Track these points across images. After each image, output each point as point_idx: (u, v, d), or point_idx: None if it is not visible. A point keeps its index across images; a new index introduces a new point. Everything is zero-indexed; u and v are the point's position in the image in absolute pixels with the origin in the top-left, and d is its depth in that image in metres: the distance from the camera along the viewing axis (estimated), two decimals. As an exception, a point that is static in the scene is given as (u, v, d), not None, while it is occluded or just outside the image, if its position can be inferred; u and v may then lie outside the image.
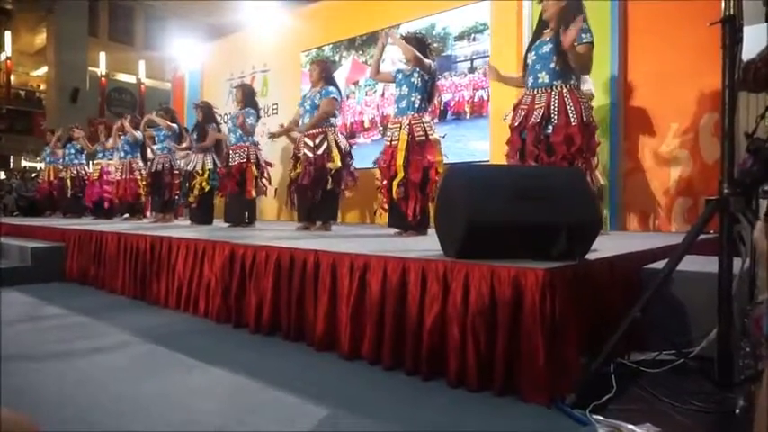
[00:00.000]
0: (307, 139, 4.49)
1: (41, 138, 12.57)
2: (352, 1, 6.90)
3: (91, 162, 7.95)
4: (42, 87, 20.24)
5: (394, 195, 3.71)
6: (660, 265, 2.30)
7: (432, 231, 2.82)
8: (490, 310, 1.89)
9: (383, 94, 6.46)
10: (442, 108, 5.84)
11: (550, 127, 3.04)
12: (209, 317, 3.09)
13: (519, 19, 5.11)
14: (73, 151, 8.27)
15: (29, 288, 4.17)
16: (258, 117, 5.42)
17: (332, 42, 7.16)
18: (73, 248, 4.63)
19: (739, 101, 1.96)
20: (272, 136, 5.11)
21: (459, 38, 5.77)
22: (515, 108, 3.25)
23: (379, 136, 6.32)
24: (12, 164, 19.65)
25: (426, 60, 3.74)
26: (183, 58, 9.54)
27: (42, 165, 9.89)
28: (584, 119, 3.03)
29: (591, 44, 3.03)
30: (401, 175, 3.66)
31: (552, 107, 3.05)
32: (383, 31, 3.99)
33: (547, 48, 3.11)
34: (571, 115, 3.00)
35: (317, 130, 4.48)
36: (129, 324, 2.97)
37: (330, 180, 4.38)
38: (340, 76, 7.00)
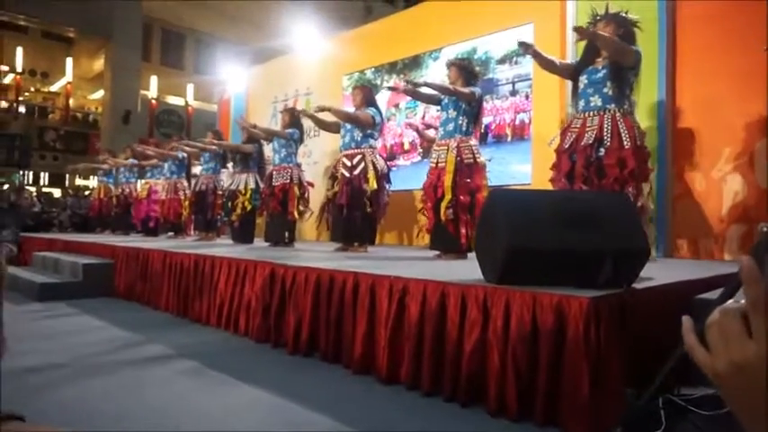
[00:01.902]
0: (345, 159, 4.51)
1: (96, 157, 13.16)
2: (394, 25, 7.01)
3: (139, 181, 8.25)
4: (98, 110, 21.28)
5: (442, 217, 3.67)
6: (713, 294, 2.20)
7: (472, 255, 2.79)
8: (531, 338, 1.84)
9: (423, 116, 6.48)
10: (482, 131, 5.81)
11: (602, 149, 3.00)
12: (249, 336, 3.12)
13: (562, 43, 5.06)
14: (124, 170, 8.61)
15: (77, 302, 4.32)
16: (301, 140, 5.56)
17: (374, 66, 7.26)
18: (121, 265, 4.79)
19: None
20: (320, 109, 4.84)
21: (501, 61, 5.76)
22: (564, 132, 3.21)
23: (419, 158, 6.33)
24: (67, 182, 20.62)
25: (466, 90, 3.74)
26: (230, 82, 9.86)
27: (95, 183, 10.34)
28: (638, 143, 2.99)
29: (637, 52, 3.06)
30: (449, 196, 3.64)
31: (605, 129, 3.01)
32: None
33: (600, 74, 3.11)
34: (624, 138, 2.96)
35: (356, 150, 4.50)
36: (172, 341, 3.03)
37: (368, 202, 4.37)
38: (381, 98, 7.08)
